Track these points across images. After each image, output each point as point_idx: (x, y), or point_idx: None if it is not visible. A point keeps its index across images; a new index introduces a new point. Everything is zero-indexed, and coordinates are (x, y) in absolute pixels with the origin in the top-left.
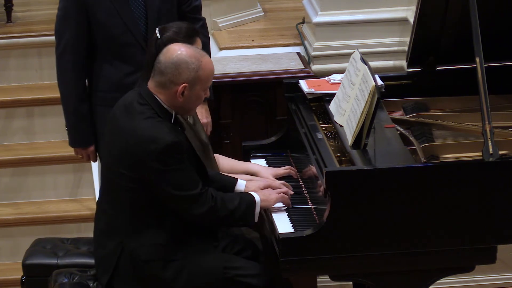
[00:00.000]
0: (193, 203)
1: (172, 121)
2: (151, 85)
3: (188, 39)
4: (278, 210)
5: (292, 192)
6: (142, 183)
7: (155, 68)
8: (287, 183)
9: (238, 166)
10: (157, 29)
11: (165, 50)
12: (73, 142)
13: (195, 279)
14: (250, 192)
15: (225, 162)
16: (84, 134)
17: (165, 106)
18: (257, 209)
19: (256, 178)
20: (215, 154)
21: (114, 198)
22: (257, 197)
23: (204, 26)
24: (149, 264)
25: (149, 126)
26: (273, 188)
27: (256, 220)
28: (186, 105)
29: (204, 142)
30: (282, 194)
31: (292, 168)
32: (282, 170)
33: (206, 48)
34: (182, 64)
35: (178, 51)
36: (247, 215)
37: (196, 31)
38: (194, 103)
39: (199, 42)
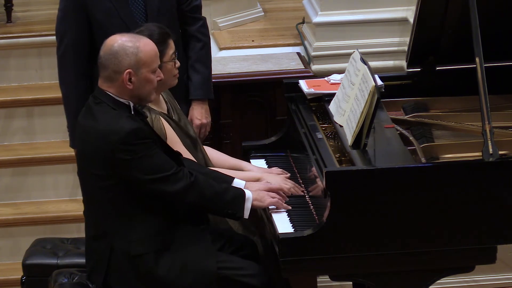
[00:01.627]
0: (171, 182)
1: (132, 113)
2: (100, 82)
3: (160, 45)
4: (278, 210)
5: (301, 193)
6: (117, 178)
7: (98, 65)
8: (297, 185)
9: (230, 162)
10: None
11: (103, 45)
12: (73, 144)
13: (188, 275)
14: (243, 188)
15: (216, 157)
16: None
17: (120, 99)
18: (248, 205)
19: (256, 178)
20: (205, 147)
21: (95, 202)
22: (248, 193)
23: (205, 26)
24: (140, 259)
25: (107, 119)
26: (272, 192)
27: (246, 216)
28: (139, 92)
29: (192, 137)
30: (277, 199)
31: (285, 171)
32: (275, 171)
33: (207, 48)
34: (120, 51)
35: (114, 41)
36: (235, 205)
37: (168, 34)
38: (146, 87)
39: (172, 45)
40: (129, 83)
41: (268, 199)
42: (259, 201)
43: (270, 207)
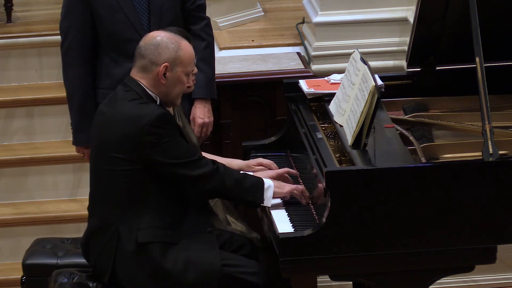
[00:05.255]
0: (194, 167)
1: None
2: (133, 72)
3: None
4: (277, 209)
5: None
6: (139, 163)
7: (136, 55)
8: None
9: (238, 165)
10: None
11: (144, 37)
12: (75, 141)
13: (191, 271)
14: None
15: (224, 162)
16: (88, 133)
17: (149, 92)
18: (270, 193)
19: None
20: (209, 155)
21: (107, 190)
22: (268, 181)
23: (208, 25)
24: (147, 247)
25: (135, 106)
26: (282, 177)
27: (269, 204)
28: (169, 90)
29: (195, 144)
30: (295, 186)
31: (290, 170)
32: (282, 171)
33: (210, 48)
34: (162, 44)
35: (157, 35)
36: (254, 192)
37: (187, 36)
38: (177, 88)
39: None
40: (163, 77)
41: (288, 187)
42: (279, 188)
43: (273, 203)
